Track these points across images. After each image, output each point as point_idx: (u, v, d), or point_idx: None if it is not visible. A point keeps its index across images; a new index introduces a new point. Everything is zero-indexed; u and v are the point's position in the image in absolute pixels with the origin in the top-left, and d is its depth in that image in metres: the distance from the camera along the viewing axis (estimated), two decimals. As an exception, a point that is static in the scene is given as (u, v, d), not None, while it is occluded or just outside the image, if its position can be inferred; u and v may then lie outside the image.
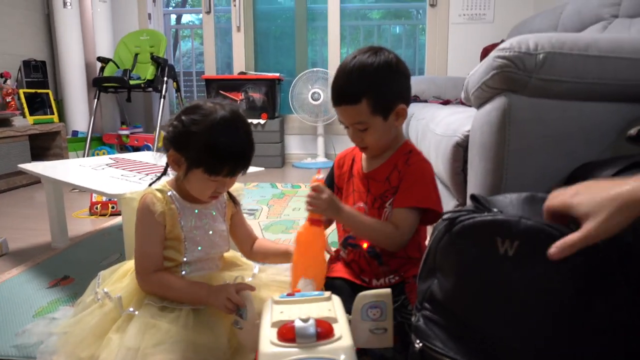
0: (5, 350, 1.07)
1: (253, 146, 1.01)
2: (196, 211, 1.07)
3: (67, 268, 1.59)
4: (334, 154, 4.08)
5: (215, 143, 0.95)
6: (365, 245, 1.07)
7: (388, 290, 0.81)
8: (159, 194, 1.03)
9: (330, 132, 4.10)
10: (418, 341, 0.79)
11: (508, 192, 1.04)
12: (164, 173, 1.12)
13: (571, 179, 1.01)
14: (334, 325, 0.72)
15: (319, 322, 0.71)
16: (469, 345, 0.74)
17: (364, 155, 1.14)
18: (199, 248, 1.07)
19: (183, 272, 1.07)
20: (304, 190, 2.87)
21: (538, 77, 0.97)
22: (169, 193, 1.05)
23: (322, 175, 0.96)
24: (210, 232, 1.09)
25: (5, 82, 3.41)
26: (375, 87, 0.98)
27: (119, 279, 1.09)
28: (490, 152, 1.07)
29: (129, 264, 1.12)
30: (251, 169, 1.63)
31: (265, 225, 2.12)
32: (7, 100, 3.39)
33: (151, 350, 0.90)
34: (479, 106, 1.19)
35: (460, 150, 1.29)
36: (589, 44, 0.98)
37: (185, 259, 1.05)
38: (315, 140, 4.06)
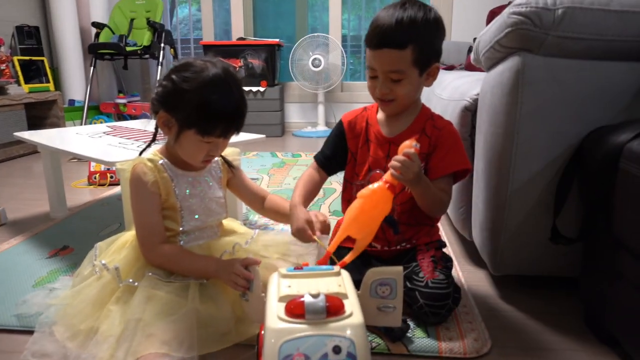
0: (6, 319, 1.06)
1: (246, 105, 0.97)
2: (190, 179, 1.04)
3: (66, 238, 1.56)
4: (334, 123, 4.02)
5: (208, 101, 0.91)
6: None
7: (399, 267, 0.78)
8: (149, 163, 1.00)
9: (331, 100, 4.02)
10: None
11: (518, 158, 1.01)
12: (153, 140, 1.08)
13: (584, 144, 0.97)
14: (345, 302, 0.70)
15: (329, 298, 0.68)
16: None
17: (381, 119, 1.08)
18: (196, 216, 1.04)
19: (181, 242, 1.04)
20: (305, 159, 2.83)
21: (556, 34, 0.92)
22: (160, 162, 1.01)
23: (418, 144, 0.89)
24: (207, 200, 1.06)
25: (-2, 49, 3.32)
26: (423, 38, 0.95)
27: (117, 250, 1.07)
28: (501, 116, 1.02)
29: (127, 236, 1.09)
30: (252, 136, 1.59)
31: (266, 193, 2.08)
32: (2, 67, 3.31)
33: (153, 321, 0.88)
34: (489, 67, 1.14)
35: (469, 114, 1.25)
36: (611, -2, 0.92)
37: (182, 228, 1.03)
38: (315, 108, 3.99)
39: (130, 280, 0.98)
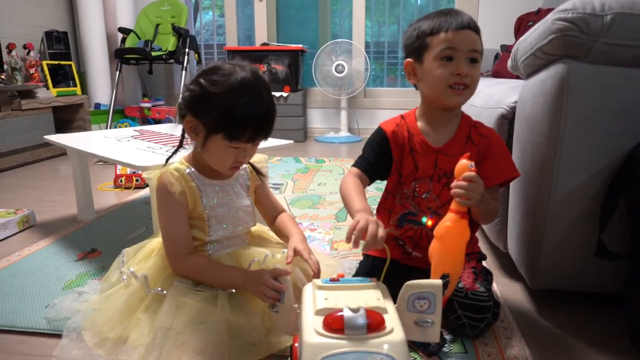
0: (37, 322, 1.06)
1: (275, 110, 0.95)
2: (217, 188, 1.02)
3: (94, 241, 1.57)
4: (357, 129, 4.00)
5: (236, 105, 0.89)
6: (430, 223, 1.00)
7: (439, 281, 0.75)
8: (176, 173, 0.98)
9: (353, 106, 4.00)
10: None
11: (561, 168, 0.98)
12: (180, 146, 1.06)
13: (632, 155, 0.93)
14: (385, 317, 0.67)
15: (370, 313, 0.66)
16: None
17: (423, 128, 1.04)
18: (224, 226, 1.02)
19: (209, 251, 1.03)
20: (329, 164, 2.81)
21: (604, 41, 0.88)
22: (187, 170, 0.99)
23: (473, 164, 0.86)
24: (234, 209, 1.04)
25: (28, 53, 3.39)
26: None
27: (145, 258, 1.06)
28: (542, 125, 0.99)
29: (154, 243, 1.08)
30: (280, 142, 1.57)
31: (291, 200, 2.07)
32: (31, 72, 3.38)
33: (183, 329, 0.87)
34: (529, 75, 1.10)
35: (505, 122, 1.21)
36: (663, 4, 0.88)
37: (210, 238, 1.01)
38: (338, 114, 3.97)
39: (159, 289, 0.96)
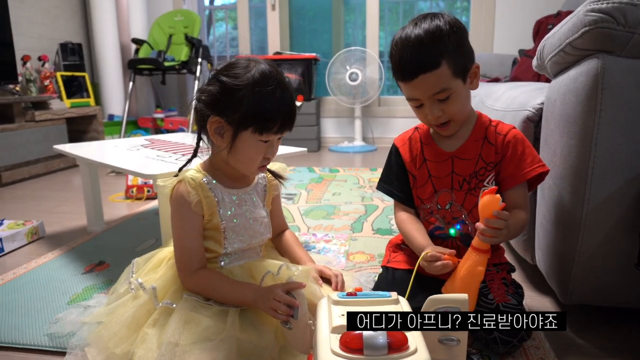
0: (38, 339, 1.01)
1: (293, 95, 0.93)
2: (235, 197, 0.97)
3: (103, 253, 1.52)
4: (371, 138, 3.93)
5: (264, 96, 0.86)
6: (457, 235, 0.98)
7: (464, 295, 0.69)
8: (192, 182, 0.93)
9: (368, 115, 3.95)
10: None
11: (596, 172, 0.90)
12: (195, 155, 1.01)
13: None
14: (407, 335, 0.60)
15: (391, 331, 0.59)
16: None
17: (436, 136, 1.01)
18: (240, 238, 0.97)
19: (222, 263, 0.97)
20: (343, 174, 2.75)
21: (643, 33, 0.81)
22: (204, 179, 0.94)
23: (501, 201, 0.82)
24: (252, 221, 0.99)
25: (43, 65, 3.41)
26: (452, 47, 0.88)
27: (154, 268, 1.01)
28: (575, 125, 0.92)
29: (164, 252, 1.04)
30: (294, 150, 1.52)
31: (305, 210, 2.01)
32: (45, 83, 3.40)
33: (190, 347, 0.81)
34: (557, 73, 1.03)
35: (531, 125, 1.14)
36: None
37: (225, 251, 0.96)
38: (352, 123, 3.92)
39: (168, 302, 0.91)
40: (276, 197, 1.10)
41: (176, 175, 0.98)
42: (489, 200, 0.81)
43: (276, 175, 1.07)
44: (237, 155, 0.91)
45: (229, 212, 0.96)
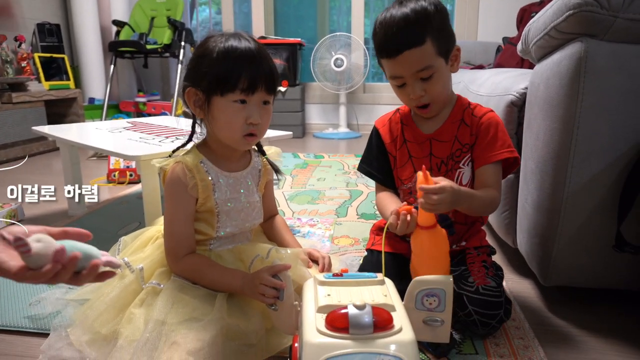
0: (18, 321, 1.00)
1: (269, 57, 0.90)
2: (231, 180, 0.96)
3: (84, 236, 1.50)
4: (356, 125, 3.93)
5: (224, 51, 0.85)
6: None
7: (449, 277, 0.69)
8: (189, 164, 0.92)
9: (353, 101, 3.94)
10: None
11: (577, 155, 0.92)
12: (190, 138, 1.00)
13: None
14: (393, 314, 0.61)
15: (376, 310, 0.60)
16: None
17: (416, 117, 1.02)
18: (233, 222, 0.97)
19: (211, 246, 0.97)
20: (328, 160, 2.75)
21: (626, 16, 0.82)
22: (201, 161, 0.93)
23: (437, 180, 0.81)
24: (247, 204, 0.99)
25: (20, 45, 3.31)
26: (436, 25, 0.89)
27: (141, 247, 1.01)
28: (557, 109, 0.93)
29: (152, 231, 1.03)
30: (279, 133, 1.52)
31: (289, 195, 2.01)
32: (22, 64, 3.30)
33: (177, 326, 0.81)
34: (541, 58, 1.04)
35: (515, 110, 1.15)
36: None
37: (217, 234, 0.96)
38: (337, 109, 3.91)
39: (154, 282, 0.91)
40: (269, 181, 1.09)
41: (170, 156, 0.96)
42: (418, 178, 0.81)
43: (274, 168, 1.06)
44: (216, 122, 0.89)
45: (225, 196, 0.95)
